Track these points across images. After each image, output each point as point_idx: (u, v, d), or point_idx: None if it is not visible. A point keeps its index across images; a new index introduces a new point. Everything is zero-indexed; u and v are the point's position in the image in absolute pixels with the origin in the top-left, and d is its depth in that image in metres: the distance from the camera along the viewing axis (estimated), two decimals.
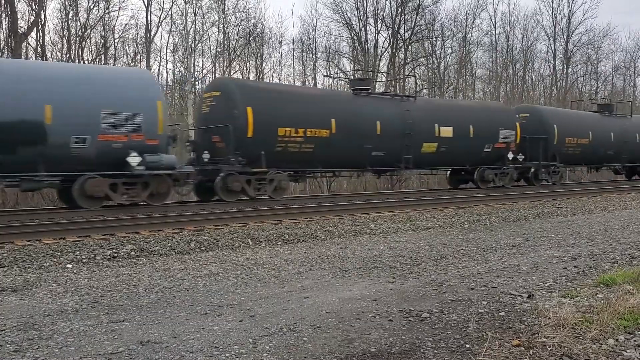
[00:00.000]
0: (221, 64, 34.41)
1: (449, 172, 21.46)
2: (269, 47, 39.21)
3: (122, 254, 8.01)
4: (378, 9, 37.21)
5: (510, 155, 20.39)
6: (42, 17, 27.16)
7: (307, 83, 37.11)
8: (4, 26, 25.60)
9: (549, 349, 3.82)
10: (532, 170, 21.64)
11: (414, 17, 37.10)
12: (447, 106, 20.40)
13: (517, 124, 20.81)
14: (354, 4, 37.15)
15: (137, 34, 32.63)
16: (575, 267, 7.02)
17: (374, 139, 16.69)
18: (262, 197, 14.62)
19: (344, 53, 39.04)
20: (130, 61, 31.78)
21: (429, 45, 39.83)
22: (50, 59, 27.33)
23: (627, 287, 5.44)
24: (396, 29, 36.70)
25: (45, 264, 7.33)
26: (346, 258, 7.78)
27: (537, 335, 4.09)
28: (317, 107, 15.84)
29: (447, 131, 18.47)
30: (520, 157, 21.04)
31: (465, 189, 20.44)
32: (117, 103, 12.15)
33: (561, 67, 45.64)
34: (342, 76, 38.22)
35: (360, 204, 14.27)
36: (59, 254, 7.79)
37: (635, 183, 25.19)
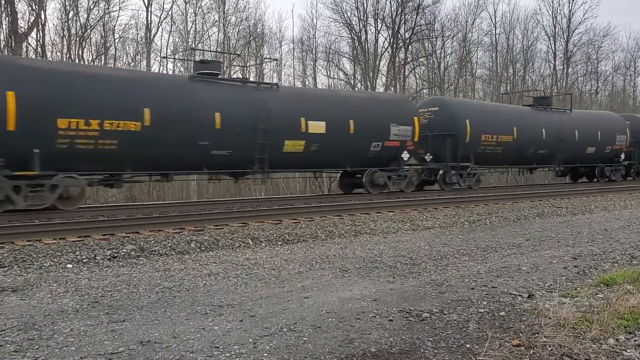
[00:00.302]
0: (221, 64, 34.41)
1: (339, 175, 18.31)
2: (269, 47, 39.18)
3: (123, 254, 8.01)
4: (378, 9, 37.26)
5: (406, 156, 17.18)
6: (42, 17, 27.20)
7: (307, 83, 37.15)
8: (4, 26, 25.65)
9: (549, 348, 3.83)
10: (441, 172, 18.77)
11: (414, 17, 37.12)
12: (319, 97, 16.85)
13: (416, 118, 17.60)
14: (354, 4, 37.19)
15: (137, 34, 32.67)
16: (575, 267, 7.03)
17: (213, 134, 13.52)
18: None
19: (344, 53, 39.08)
20: (131, 61, 31.82)
21: (429, 45, 39.86)
22: (51, 59, 27.35)
23: (627, 287, 5.45)
24: (396, 29, 36.71)
25: (45, 264, 7.33)
26: (346, 258, 7.79)
27: (537, 335, 4.09)
28: (122, 93, 12.46)
29: (317, 126, 15.30)
30: (429, 158, 18.53)
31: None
32: None
33: (561, 67, 45.70)
34: (342, 76, 38.28)
35: (360, 204, 14.26)
36: (59, 254, 7.79)
37: (634, 183, 25.01)
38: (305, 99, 16.14)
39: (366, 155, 16.65)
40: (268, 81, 21.03)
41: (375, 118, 16.77)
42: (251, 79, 17.39)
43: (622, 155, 25.46)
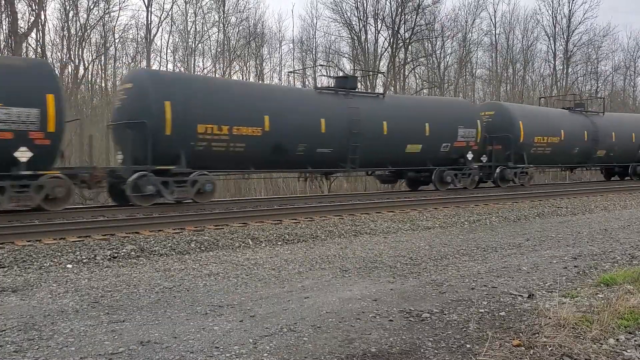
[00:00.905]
0: (221, 64, 34.46)
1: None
2: (269, 47, 39.25)
3: (123, 254, 8.01)
4: (378, 9, 37.26)
5: (24, 155, 10.97)
6: (42, 17, 27.22)
7: (307, 83, 37.14)
8: (4, 26, 25.66)
9: (550, 348, 3.82)
10: (131, 178, 12.29)
11: (414, 17, 37.09)
12: None
13: (50, 96, 11.19)
14: (354, 4, 37.19)
15: (138, 34, 32.67)
16: (575, 266, 7.02)
17: None
18: None
19: (344, 53, 39.10)
20: (130, 61, 31.82)
21: (429, 45, 39.85)
22: (50, 60, 27.37)
23: (628, 287, 5.45)
24: (396, 29, 36.69)
25: (45, 264, 7.32)
26: (346, 258, 7.78)
27: (537, 335, 4.09)
28: None
29: None
30: (120, 158, 13.42)
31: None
32: None
33: (561, 67, 45.64)
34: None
35: (360, 204, 14.26)
36: (59, 254, 7.79)
37: (635, 183, 24.90)
38: None
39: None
40: None
41: None
42: None
43: (471, 155, 18.98)
